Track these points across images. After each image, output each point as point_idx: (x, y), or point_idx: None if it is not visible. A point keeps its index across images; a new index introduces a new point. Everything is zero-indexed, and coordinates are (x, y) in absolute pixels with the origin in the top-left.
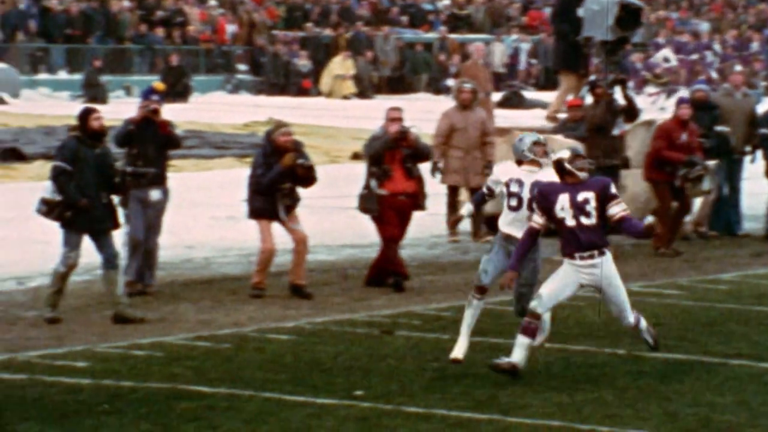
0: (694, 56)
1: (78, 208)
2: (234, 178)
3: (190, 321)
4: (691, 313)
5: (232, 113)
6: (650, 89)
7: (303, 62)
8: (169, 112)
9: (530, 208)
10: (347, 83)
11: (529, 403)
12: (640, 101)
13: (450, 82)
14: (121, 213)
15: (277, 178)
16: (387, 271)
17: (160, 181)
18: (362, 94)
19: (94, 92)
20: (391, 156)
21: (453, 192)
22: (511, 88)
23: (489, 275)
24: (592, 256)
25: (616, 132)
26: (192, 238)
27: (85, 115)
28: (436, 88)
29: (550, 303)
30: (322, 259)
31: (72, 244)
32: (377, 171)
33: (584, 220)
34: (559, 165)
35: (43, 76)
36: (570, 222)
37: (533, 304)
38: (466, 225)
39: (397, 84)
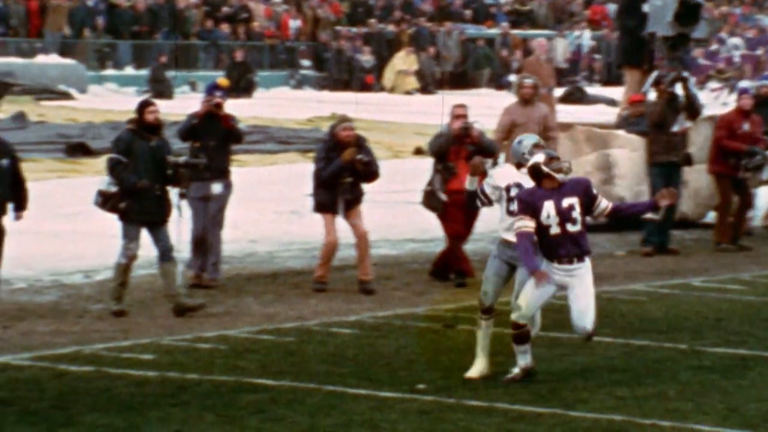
0: (759, 51)
1: (138, 191)
2: (297, 173)
3: (254, 314)
4: (753, 308)
5: (296, 108)
6: (713, 84)
7: (366, 58)
8: (234, 107)
9: (510, 214)
10: (410, 79)
11: (591, 397)
12: (703, 97)
13: (512, 78)
14: (184, 206)
15: (337, 172)
16: (451, 267)
17: (222, 175)
18: (425, 89)
19: (160, 88)
20: (456, 153)
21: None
22: (574, 83)
23: (489, 296)
24: (571, 262)
25: (676, 129)
26: (256, 232)
27: (141, 108)
28: (498, 83)
29: (529, 312)
30: (385, 253)
31: (130, 236)
32: (442, 168)
33: (570, 227)
34: (535, 169)
35: (110, 71)
36: (555, 230)
37: (514, 316)
38: None
39: (460, 79)
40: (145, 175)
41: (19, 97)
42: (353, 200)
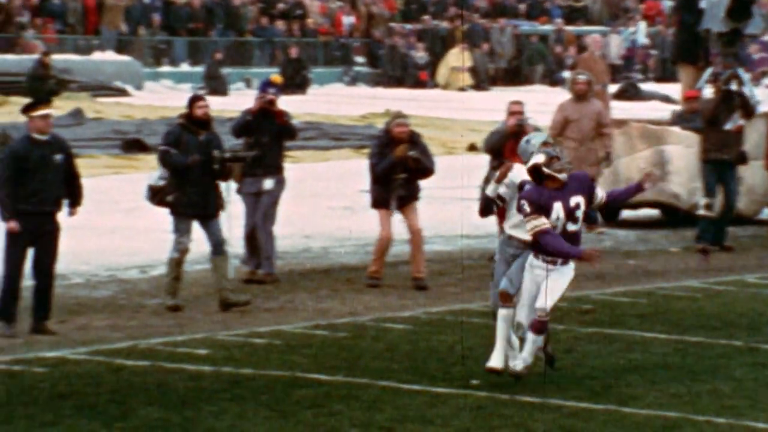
0: None
1: (186, 179)
2: (351, 169)
3: (308, 310)
4: None
5: (350, 105)
6: None
7: (420, 54)
8: (288, 103)
9: (520, 211)
10: (463, 75)
11: (645, 393)
12: (758, 93)
13: (566, 74)
14: (235, 201)
15: (389, 168)
16: None
17: (274, 171)
18: (478, 85)
19: (215, 84)
20: (511, 150)
21: None
22: (628, 80)
23: (492, 297)
24: (555, 262)
25: (729, 126)
26: (310, 228)
27: (191, 103)
28: (552, 80)
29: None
30: (438, 249)
31: (181, 230)
32: (497, 165)
33: (570, 227)
34: (536, 171)
35: (165, 68)
36: (558, 230)
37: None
38: None
39: (513, 76)
40: (193, 168)
41: (76, 93)
42: (408, 196)
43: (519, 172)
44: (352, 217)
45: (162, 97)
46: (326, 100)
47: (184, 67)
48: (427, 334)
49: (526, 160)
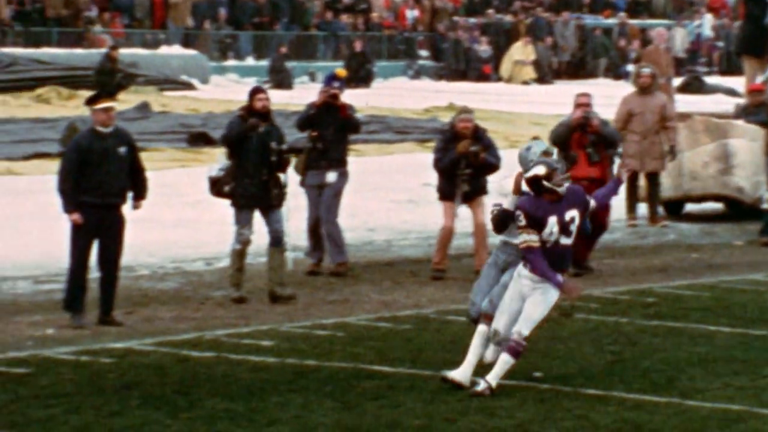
0: None
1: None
2: (414, 162)
3: (371, 302)
4: None
5: (414, 98)
6: None
7: (483, 48)
8: (352, 97)
9: (511, 220)
10: (527, 69)
11: (709, 386)
12: None
13: (630, 68)
14: (300, 192)
15: (452, 163)
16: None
17: (337, 164)
18: (542, 79)
19: (280, 78)
20: (578, 142)
21: (630, 177)
22: (692, 73)
23: (476, 308)
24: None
25: None
26: (373, 221)
27: (251, 95)
28: (615, 73)
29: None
30: None
31: (242, 222)
32: (563, 157)
33: (563, 240)
34: (536, 183)
35: (231, 62)
36: (550, 244)
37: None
38: (643, 209)
39: (576, 69)
40: (252, 160)
41: (143, 87)
42: (474, 191)
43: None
44: (415, 211)
45: (227, 90)
46: (390, 94)
47: (250, 61)
48: None
49: (525, 168)
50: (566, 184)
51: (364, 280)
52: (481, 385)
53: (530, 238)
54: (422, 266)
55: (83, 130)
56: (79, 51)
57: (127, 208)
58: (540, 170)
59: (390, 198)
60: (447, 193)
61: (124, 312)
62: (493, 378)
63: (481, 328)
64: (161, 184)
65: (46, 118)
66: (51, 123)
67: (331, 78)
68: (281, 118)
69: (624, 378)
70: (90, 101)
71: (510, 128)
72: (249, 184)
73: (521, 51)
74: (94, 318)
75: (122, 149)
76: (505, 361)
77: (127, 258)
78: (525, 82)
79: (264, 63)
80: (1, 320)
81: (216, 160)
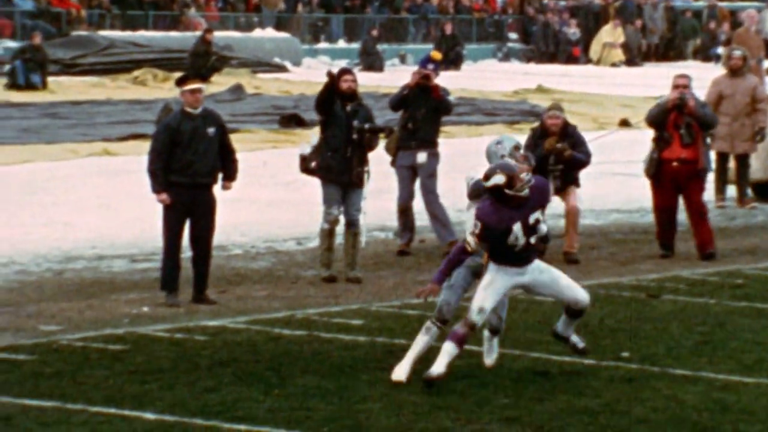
0: None
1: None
2: None
3: None
4: None
5: (503, 81)
6: None
7: (572, 30)
8: (442, 79)
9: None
10: (616, 51)
11: None
12: None
13: (719, 50)
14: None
15: (540, 160)
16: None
17: (428, 145)
18: (630, 61)
19: (371, 60)
20: (674, 123)
21: (721, 158)
22: None
23: (449, 309)
24: (522, 265)
25: None
26: (463, 202)
27: (338, 76)
28: (705, 55)
29: (483, 316)
30: (589, 223)
31: (329, 201)
32: (657, 137)
33: (532, 239)
34: (498, 192)
35: (323, 45)
36: (519, 246)
37: (476, 318)
38: (732, 191)
39: (666, 52)
40: (338, 139)
41: (237, 69)
42: (566, 184)
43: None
44: None
45: (319, 72)
46: (479, 76)
47: (341, 44)
48: None
49: (493, 162)
50: (531, 182)
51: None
52: (433, 372)
53: (470, 239)
54: None
55: (174, 112)
56: (174, 34)
57: (217, 189)
58: (500, 180)
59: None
60: None
61: (218, 291)
62: (440, 368)
63: (434, 330)
64: (254, 165)
65: (142, 100)
66: (147, 105)
67: (426, 60)
68: (371, 101)
69: (712, 359)
70: (179, 82)
71: (598, 110)
72: (331, 158)
73: (610, 33)
74: (188, 296)
75: (211, 130)
76: (449, 351)
77: (219, 237)
78: (614, 65)
79: (355, 46)
80: (98, 298)
81: (308, 140)
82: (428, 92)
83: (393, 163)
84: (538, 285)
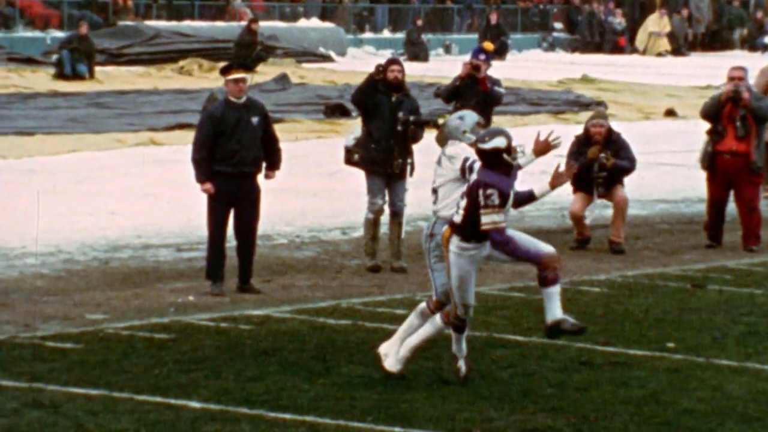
0: None
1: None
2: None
3: (504, 272)
4: None
5: (547, 70)
6: None
7: (618, 20)
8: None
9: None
10: (662, 40)
11: None
12: None
13: (766, 39)
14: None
15: (582, 169)
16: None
17: None
18: (677, 51)
19: (416, 50)
20: (729, 115)
21: None
22: None
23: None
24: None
25: None
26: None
27: (385, 66)
28: (752, 44)
29: (471, 298)
30: (635, 213)
31: (374, 191)
32: (712, 130)
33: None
34: (495, 155)
35: (367, 35)
36: (507, 216)
37: (466, 317)
38: None
39: (712, 41)
40: (383, 129)
41: (282, 59)
42: (608, 191)
43: (466, 150)
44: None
45: (364, 62)
46: (524, 66)
47: (386, 34)
48: (622, 297)
49: (454, 137)
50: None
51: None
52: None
53: (498, 219)
54: (556, 237)
55: (218, 101)
56: (220, 24)
57: (260, 178)
58: (501, 143)
59: (524, 169)
60: (579, 187)
61: (262, 280)
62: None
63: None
64: (299, 155)
65: (188, 90)
66: (192, 94)
67: (478, 51)
68: (416, 90)
69: (758, 349)
70: (223, 71)
71: (644, 100)
72: (374, 150)
73: (656, 23)
74: (233, 286)
75: (255, 119)
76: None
77: (264, 227)
78: (660, 54)
79: (400, 35)
80: (144, 287)
81: (352, 130)
82: (478, 83)
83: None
84: (497, 253)
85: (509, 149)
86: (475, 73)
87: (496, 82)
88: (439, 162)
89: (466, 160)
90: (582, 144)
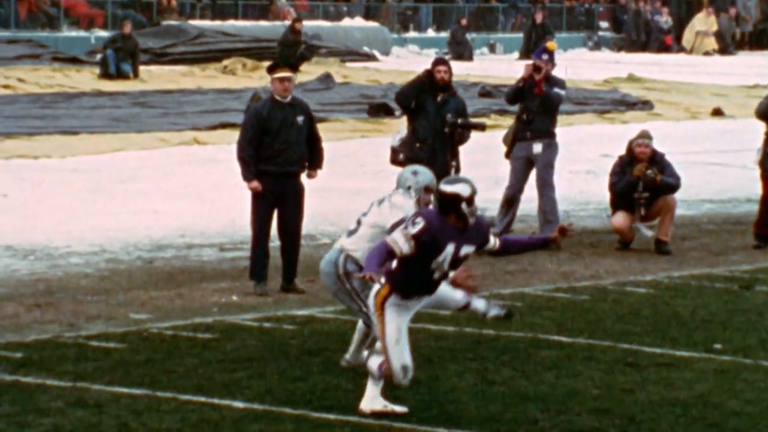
0: None
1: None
2: (593, 133)
3: (549, 272)
4: None
5: (593, 69)
6: None
7: (664, 19)
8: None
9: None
10: (709, 39)
11: None
12: None
13: None
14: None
15: (628, 187)
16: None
17: (543, 135)
18: (724, 50)
19: (460, 49)
20: None
21: None
22: None
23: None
24: (423, 296)
25: None
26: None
27: (432, 66)
28: None
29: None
30: (681, 213)
31: None
32: (766, 131)
33: (451, 273)
34: (453, 203)
35: (412, 34)
36: (437, 275)
37: (405, 382)
38: None
39: (759, 40)
40: (428, 129)
41: (326, 59)
42: (647, 216)
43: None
44: (594, 181)
45: (408, 62)
46: (570, 65)
47: (430, 33)
48: (668, 298)
49: (402, 187)
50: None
51: (542, 251)
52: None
53: (401, 243)
54: (601, 237)
55: (263, 100)
56: (263, 23)
57: (302, 178)
58: (465, 190)
59: (568, 169)
60: (621, 207)
61: (306, 280)
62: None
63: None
64: (343, 155)
65: (232, 89)
66: (236, 93)
67: (541, 51)
68: (461, 90)
69: None
70: (270, 70)
71: (691, 99)
72: (419, 149)
73: (703, 22)
74: (277, 286)
75: (300, 119)
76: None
77: (308, 227)
78: (707, 53)
79: (444, 35)
80: (188, 287)
81: (398, 130)
82: (535, 86)
83: (507, 155)
84: (425, 306)
85: (470, 201)
86: (535, 75)
87: (559, 83)
88: (381, 202)
89: (402, 220)
90: (626, 164)
